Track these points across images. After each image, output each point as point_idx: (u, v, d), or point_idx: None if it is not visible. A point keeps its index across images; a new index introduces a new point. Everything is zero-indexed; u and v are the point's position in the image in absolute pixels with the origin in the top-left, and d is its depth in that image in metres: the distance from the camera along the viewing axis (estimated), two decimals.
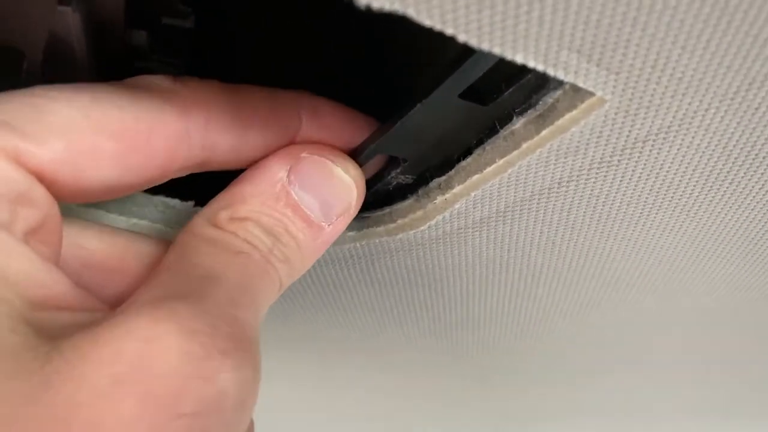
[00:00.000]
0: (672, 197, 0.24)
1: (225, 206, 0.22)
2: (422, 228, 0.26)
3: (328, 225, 0.23)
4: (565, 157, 0.22)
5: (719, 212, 0.25)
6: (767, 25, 0.17)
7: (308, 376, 0.42)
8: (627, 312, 0.34)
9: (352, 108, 0.24)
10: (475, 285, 0.30)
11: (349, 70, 0.33)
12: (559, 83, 0.21)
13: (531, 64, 0.18)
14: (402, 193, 0.26)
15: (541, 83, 0.21)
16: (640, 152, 0.22)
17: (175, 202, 0.26)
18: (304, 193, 0.22)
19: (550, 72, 0.18)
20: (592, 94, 0.20)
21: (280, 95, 0.22)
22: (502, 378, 0.43)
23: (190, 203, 0.26)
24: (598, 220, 0.26)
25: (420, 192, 0.26)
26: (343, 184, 0.23)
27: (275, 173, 0.22)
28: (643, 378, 0.44)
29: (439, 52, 0.29)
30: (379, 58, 0.33)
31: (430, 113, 0.22)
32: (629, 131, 0.21)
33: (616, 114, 0.20)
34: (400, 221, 0.27)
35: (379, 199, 0.26)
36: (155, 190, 0.26)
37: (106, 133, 0.19)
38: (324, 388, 0.44)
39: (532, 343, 0.37)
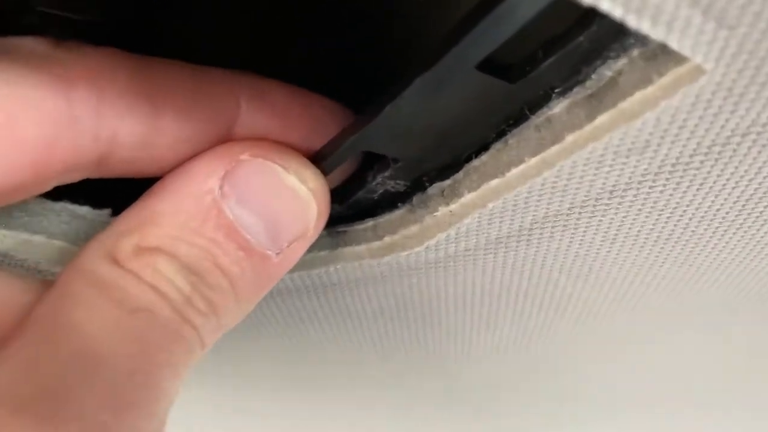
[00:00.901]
0: (761, 212, 0.18)
1: (131, 229, 0.15)
2: (418, 249, 0.19)
3: (277, 253, 0.16)
4: (627, 157, 0.15)
5: None
6: None
7: (266, 416, 0.35)
8: (659, 348, 0.28)
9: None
10: (482, 317, 0.24)
11: (323, 62, 0.26)
12: (624, 49, 0.14)
13: (604, 6, 0.11)
14: (391, 201, 0.20)
15: (596, 49, 0.14)
16: (734, 151, 0.15)
17: (85, 209, 0.19)
18: (244, 209, 0.15)
19: (631, 21, 0.11)
20: (680, 62, 0.13)
21: (209, 72, 0.16)
22: (504, 416, 0.36)
23: (106, 211, 0.19)
24: (656, 242, 0.19)
25: (415, 200, 0.19)
26: (298, 198, 0.16)
27: (203, 182, 0.15)
28: (667, 425, 0.38)
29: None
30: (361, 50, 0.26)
31: (433, 93, 0.15)
32: (726, 120, 0.14)
33: (714, 93, 0.13)
34: (387, 239, 0.20)
35: (360, 211, 0.20)
36: (58, 195, 0.19)
37: None
38: (289, 428, 0.37)
39: (544, 378, 0.31)
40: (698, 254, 0.20)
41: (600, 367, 0.30)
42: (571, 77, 0.15)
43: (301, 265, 0.21)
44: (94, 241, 0.15)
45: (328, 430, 0.37)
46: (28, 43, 0.14)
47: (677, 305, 0.24)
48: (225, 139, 0.16)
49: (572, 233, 0.18)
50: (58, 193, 0.18)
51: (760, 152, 0.15)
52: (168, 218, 0.15)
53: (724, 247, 0.19)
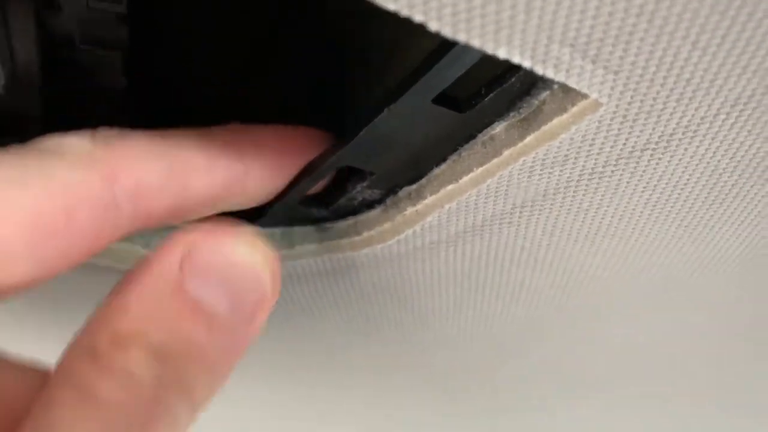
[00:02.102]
0: (669, 212, 0.22)
1: (106, 322, 0.16)
2: (390, 242, 0.23)
3: (242, 321, 0.17)
4: (552, 168, 0.19)
5: (720, 228, 0.23)
6: None
7: (253, 399, 0.39)
8: (609, 333, 0.32)
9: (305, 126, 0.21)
10: (449, 303, 0.27)
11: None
12: (547, 83, 0.18)
13: (516, 59, 0.15)
14: (369, 206, 0.23)
15: (527, 88, 0.18)
16: (637, 162, 0.19)
17: None
18: (205, 287, 0.17)
19: (538, 69, 0.15)
20: (585, 96, 0.17)
21: (217, 137, 0.19)
22: (476, 400, 0.40)
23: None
24: (586, 236, 0.23)
25: (388, 201, 0.23)
26: (252, 268, 0.18)
27: (165, 267, 0.17)
28: (620, 406, 0.42)
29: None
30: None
31: (398, 120, 0.19)
32: (626, 139, 0.18)
33: (612, 119, 0.17)
34: (366, 234, 0.24)
35: (341, 215, 0.24)
36: None
37: (12, 221, 0.15)
38: (272, 413, 0.41)
39: (508, 362, 0.35)
40: (623, 246, 0.24)
41: (560, 350, 0.34)
42: (508, 109, 0.19)
43: (292, 256, 0.25)
44: (76, 339, 0.17)
45: (309, 412, 0.40)
46: (70, 141, 0.17)
47: (617, 293, 0.28)
48: (238, 184, 0.19)
49: (516, 229, 0.22)
50: None
51: (657, 163, 0.19)
52: (138, 304, 0.16)
53: (644, 241, 0.23)
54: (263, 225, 0.24)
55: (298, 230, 0.25)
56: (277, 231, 0.25)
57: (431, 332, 0.30)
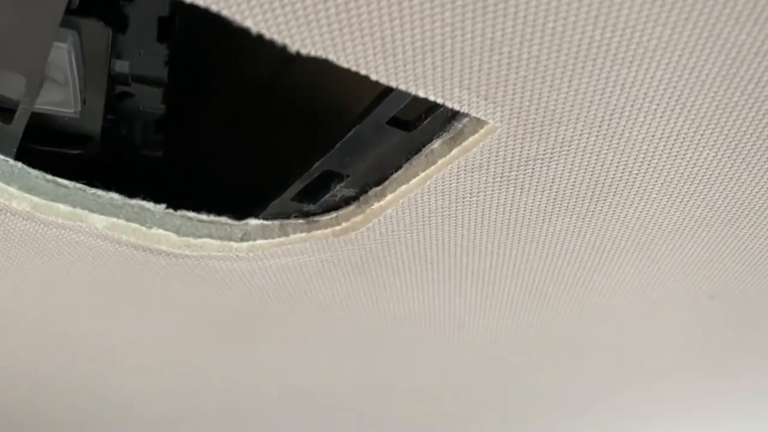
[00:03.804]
0: (567, 207, 0.29)
1: None
2: (362, 230, 0.31)
3: None
4: (472, 172, 0.27)
5: (609, 220, 0.30)
6: (614, 68, 0.22)
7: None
8: (548, 312, 0.39)
9: None
10: (411, 281, 0.35)
11: None
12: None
13: (432, 98, 0.22)
14: (347, 202, 0.31)
15: (453, 114, 0.26)
16: (533, 169, 0.27)
17: (150, 204, 0.31)
18: None
19: (448, 104, 0.23)
20: (487, 122, 0.24)
21: None
22: (448, 365, 0.48)
23: (162, 206, 0.31)
24: (508, 225, 0.30)
25: (361, 199, 0.31)
26: None
27: None
28: (561, 375, 0.49)
29: None
30: None
31: (364, 137, 0.27)
32: (520, 152, 0.26)
33: (507, 138, 0.25)
34: (344, 224, 0.31)
35: (326, 210, 0.31)
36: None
37: None
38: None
39: (466, 337, 0.42)
40: (539, 235, 0.31)
41: (512, 319, 0.42)
42: (442, 129, 0.26)
43: (288, 242, 0.32)
44: None
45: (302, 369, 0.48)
46: None
47: (545, 278, 0.35)
48: None
49: (454, 219, 0.30)
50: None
51: (548, 169, 0.27)
52: None
53: (553, 230, 0.31)
54: (265, 218, 0.32)
55: (292, 222, 0.32)
56: (276, 223, 0.32)
57: (401, 307, 0.38)
